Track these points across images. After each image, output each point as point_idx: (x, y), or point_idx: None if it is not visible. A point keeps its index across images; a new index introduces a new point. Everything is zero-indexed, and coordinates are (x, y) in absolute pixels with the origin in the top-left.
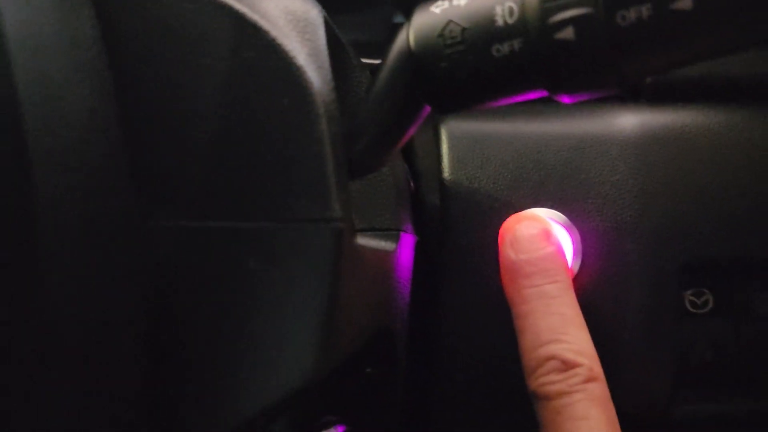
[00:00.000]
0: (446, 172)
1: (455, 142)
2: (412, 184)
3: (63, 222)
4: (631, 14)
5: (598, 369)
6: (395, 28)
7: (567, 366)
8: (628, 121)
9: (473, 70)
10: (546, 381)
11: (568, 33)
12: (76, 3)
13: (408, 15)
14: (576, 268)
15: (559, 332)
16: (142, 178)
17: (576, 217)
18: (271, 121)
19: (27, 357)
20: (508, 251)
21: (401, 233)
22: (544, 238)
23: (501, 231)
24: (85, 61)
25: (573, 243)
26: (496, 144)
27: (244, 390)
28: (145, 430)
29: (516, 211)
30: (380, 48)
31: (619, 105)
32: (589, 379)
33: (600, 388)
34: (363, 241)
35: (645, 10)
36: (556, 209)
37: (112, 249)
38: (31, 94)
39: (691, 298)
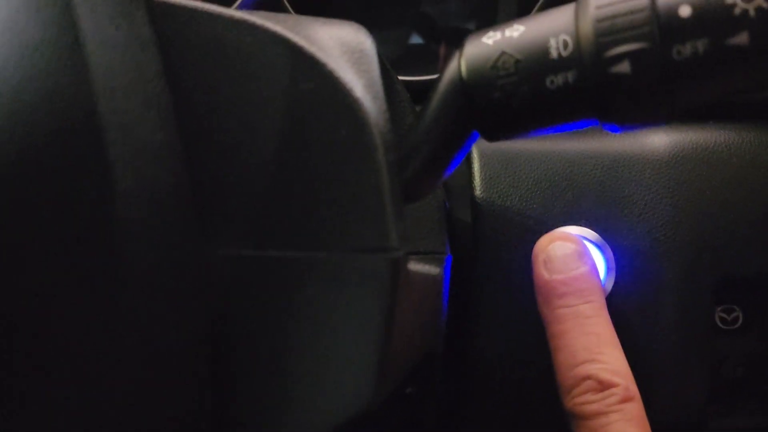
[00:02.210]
0: (478, 191)
1: (487, 160)
2: (446, 202)
3: (141, 250)
4: (687, 49)
5: (633, 389)
6: (412, 48)
7: (603, 386)
8: (661, 140)
9: (526, 101)
10: (582, 401)
11: (623, 67)
12: (143, 41)
13: (424, 35)
14: (609, 287)
15: (594, 352)
16: (204, 208)
17: (609, 236)
18: (328, 152)
19: (104, 375)
20: (541, 271)
21: (446, 257)
22: (577, 257)
23: (534, 251)
24: (152, 95)
25: (606, 261)
26: (529, 163)
27: (301, 416)
28: None
29: (549, 230)
30: (396, 66)
31: (649, 129)
32: (626, 399)
33: (636, 408)
34: (411, 266)
35: (701, 45)
36: (589, 228)
37: (181, 277)
38: (111, 130)
39: (722, 314)
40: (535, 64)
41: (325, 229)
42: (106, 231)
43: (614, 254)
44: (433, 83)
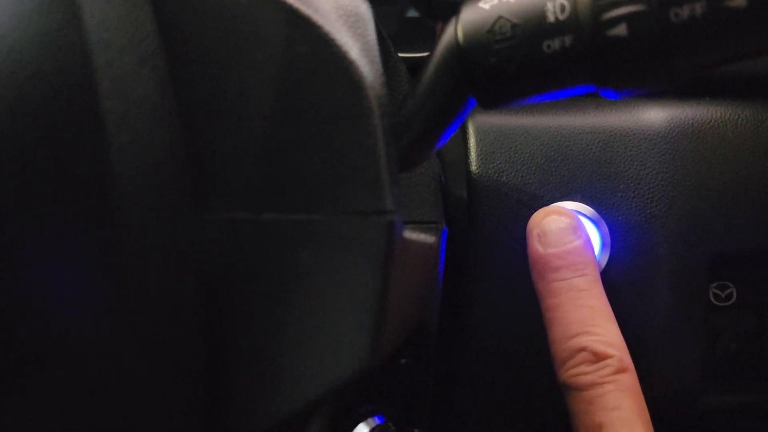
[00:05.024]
0: (474, 166)
1: (483, 135)
2: (442, 176)
3: (134, 206)
4: (685, 11)
5: (627, 360)
6: (408, 23)
7: (597, 357)
8: (657, 115)
9: (523, 66)
10: (577, 372)
11: (621, 30)
12: (137, 0)
13: (421, 10)
14: (604, 262)
15: (588, 324)
16: (197, 170)
17: (604, 211)
18: (324, 115)
19: (98, 342)
20: (536, 245)
21: (443, 227)
22: (571, 231)
23: (529, 225)
24: (146, 55)
25: (601, 236)
26: (524, 138)
27: (295, 381)
28: (200, 417)
29: (544, 205)
30: (394, 42)
31: (647, 99)
32: (620, 370)
33: (630, 379)
34: (407, 234)
35: (699, 8)
36: (584, 203)
37: (173, 238)
38: (105, 83)
39: (715, 291)
40: (532, 29)
41: (320, 192)
42: (99, 184)
43: (609, 229)
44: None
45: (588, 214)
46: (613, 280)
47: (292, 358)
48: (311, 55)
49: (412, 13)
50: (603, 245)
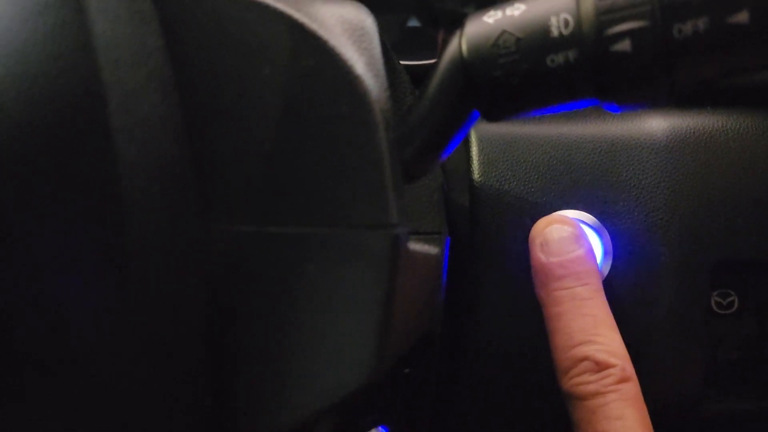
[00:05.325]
0: (476, 174)
1: (485, 144)
2: (444, 185)
3: (143, 220)
4: (688, 27)
5: (630, 369)
6: (409, 32)
7: (600, 367)
8: (659, 125)
9: (527, 79)
10: (580, 381)
11: (624, 45)
12: (144, 16)
13: (422, 19)
14: (606, 271)
15: (591, 333)
16: (204, 184)
17: (606, 220)
18: (329, 129)
19: (99, 342)
20: (538, 254)
21: (446, 237)
22: (574, 240)
23: (531, 234)
24: (154, 70)
25: (603, 245)
26: (527, 147)
27: (300, 392)
28: (201, 419)
29: (546, 214)
30: (394, 50)
31: (649, 109)
32: (623, 380)
33: (633, 388)
34: (411, 245)
35: (701, 24)
36: (586, 212)
37: (180, 251)
38: (114, 100)
39: (717, 299)
40: (535, 43)
41: (325, 206)
42: (107, 195)
43: (611, 238)
44: (431, 67)
45: (590, 223)
46: (615, 288)
47: (298, 369)
48: (317, 69)
49: (413, 23)
50: (605, 254)
